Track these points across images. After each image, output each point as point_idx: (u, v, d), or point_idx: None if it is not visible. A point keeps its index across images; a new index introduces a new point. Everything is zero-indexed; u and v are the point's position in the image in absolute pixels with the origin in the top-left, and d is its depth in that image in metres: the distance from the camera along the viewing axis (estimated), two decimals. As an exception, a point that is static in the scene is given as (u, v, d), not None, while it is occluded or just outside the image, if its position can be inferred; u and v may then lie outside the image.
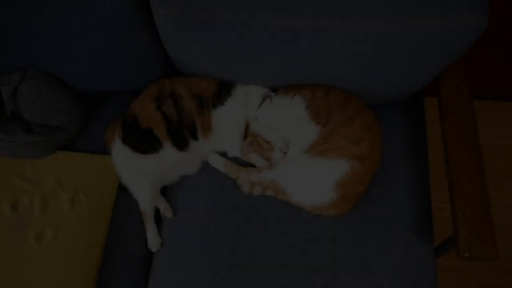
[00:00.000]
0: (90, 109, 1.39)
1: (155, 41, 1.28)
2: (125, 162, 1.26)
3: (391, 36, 1.10)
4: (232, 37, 1.09)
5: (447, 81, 1.33)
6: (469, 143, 1.23)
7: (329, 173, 1.19)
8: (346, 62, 1.15)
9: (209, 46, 1.13)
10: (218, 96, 1.30)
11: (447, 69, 1.29)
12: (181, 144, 1.27)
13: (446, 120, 1.28)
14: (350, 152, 1.18)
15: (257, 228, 1.24)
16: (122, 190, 1.28)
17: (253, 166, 1.32)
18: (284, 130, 1.28)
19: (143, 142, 1.25)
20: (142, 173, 1.25)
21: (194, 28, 1.13)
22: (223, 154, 1.34)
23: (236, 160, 1.33)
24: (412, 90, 1.39)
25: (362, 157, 1.19)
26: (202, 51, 1.16)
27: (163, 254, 1.24)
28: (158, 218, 1.28)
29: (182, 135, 1.27)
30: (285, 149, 1.25)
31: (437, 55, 1.17)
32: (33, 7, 1.12)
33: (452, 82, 1.33)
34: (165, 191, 1.32)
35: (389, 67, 1.15)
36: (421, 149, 1.39)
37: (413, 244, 1.23)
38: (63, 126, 1.28)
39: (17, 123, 1.24)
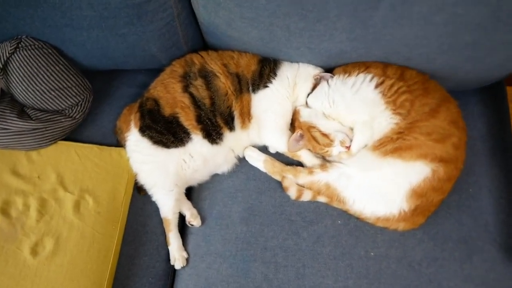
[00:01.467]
0: (99, 91, 1.25)
1: (183, 5, 1.08)
2: (143, 156, 1.12)
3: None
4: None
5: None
6: None
7: (403, 178, 1.03)
8: (433, 35, 0.97)
9: (255, 6, 0.95)
10: (260, 77, 1.14)
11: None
12: (214, 135, 1.12)
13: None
14: (433, 152, 1.02)
15: (306, 243, 1.09)
16: (139, 191, 1.16)
17: (300, 165, 1.18)
18: (347, 119, 1.11)
19: (166, 132, 1.10)
20: (163, 171, 1.11)
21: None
22: (263, 149, 1.21)
23: (278, 157, 1.19)
24: (499, 74, 1.16)
25: (447, 158, 1.02)
26: (244, 14, 0.99)
27: (188, 272, 1.10)
28: (183, 227, 1.16)
29: (216, 124, 1.12)
30: (348, 142, 1.08)
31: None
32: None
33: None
34: (191, 194, 1.20)
35: (482, 42, 0.97)
36: (507, 146, 1.21)
37: (499, 266, 1.07)
38: (66, 110, 1.14)
39: (9, 106, 1.09)
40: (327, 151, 1.11)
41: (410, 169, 1.02)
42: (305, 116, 1.14)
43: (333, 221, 1.11)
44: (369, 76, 1.06)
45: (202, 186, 1.20)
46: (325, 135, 1.10)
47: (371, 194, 1.07)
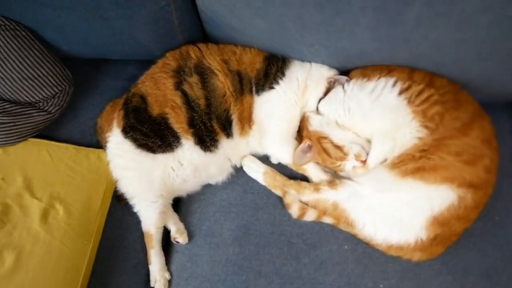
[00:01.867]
0: (81, 82, 1.17)
1: (180, -13, 0.98)
2: (124, 161, 1.04)
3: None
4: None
5: None
6: None
7: (423, 204, 0.94)
8: (473, 39, 0.88)
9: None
10: (265, 76, 1.06)
11: None
12: (207, 142, 1.04)
13: None
14: (462, 176, 0.93)
15: (306, 269, 1.02)
16: (119, 200, 1.08)
17: (306, 179, 1.11)
18: (364, 130, 1.03)
19: (153, 135, 1.02)
20: (148, 179, 1.04)
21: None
22: (264, 159, 1.13)
23: (281, 169, 1.12)
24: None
25: (477, 184, 0.94)
26: (250, 1, 0.90)
27: (171, 296, 1.02)
28: (167, 243, 1.09)
29: (210, 129, 1.04)
30: (363, 156, 1.01)
31: None
32: None
33: None
34: (178, 205, 1.13)
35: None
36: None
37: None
38: (40, 103, 1.05)
39: (-27, 95, 1.01)
40: (339, 165, 1.04)
41: (433, 194, 0.93)
42: (315, 124, 1.06)
43: (339, 246, 1.04)
44: (391, 81, 0.97)
45: (192, 197, 1.12)
46: (338, 147, 1.03)
47: (385, 219, 0.99)
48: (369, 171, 1.01)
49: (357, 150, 1.01)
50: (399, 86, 0.96)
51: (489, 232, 1.04)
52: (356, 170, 1.02)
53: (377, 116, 0.99)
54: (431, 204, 0.93)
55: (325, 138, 1.03)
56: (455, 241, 1.00)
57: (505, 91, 1.05)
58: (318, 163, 1.08)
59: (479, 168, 0.93)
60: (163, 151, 1.01)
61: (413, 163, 0.94)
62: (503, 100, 1.16)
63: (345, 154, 1.01)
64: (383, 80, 0.99)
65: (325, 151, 1.03)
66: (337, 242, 1.04)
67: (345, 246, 1.03)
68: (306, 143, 1.04)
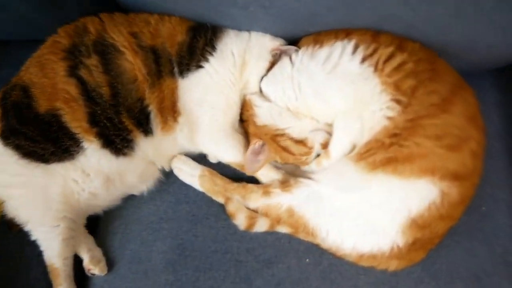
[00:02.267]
0: None
1: None
2: (8, 177, 0.87)
3: None
4: None
5: None
6: None
7: (398, 203, 0.84)
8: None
9: None
10: (190, 52, 0.91)
11: None
12: (118, 143, 0.87)
13: None
14: (444, 166, 0.81)
15: None
16: (10, 226, 0.91)
17: (254, 181, 0.99)
18: (323, 113, 0.91)
19: (42, 139, 0.85)
20: (43, 197, 0.86)
21: None
22: (200, 158, 1.01)
23: (222, 170, 0.99)
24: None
25: (463, 174, 0.82)
26: None
27: None
28: (83, 275, 0.94)
29: (120, 126, 0.87)
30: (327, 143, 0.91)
31: None
32: None
33: None
34: (95, 226, 0.99)
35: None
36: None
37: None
38: None
39: None
40: (305, 159, 0.92)
41: (410, 190, 0.82)
42: (263, 116, 0.91)
43: (299, 260, 0.94)
44: (351, 45, 0.82)
45: (110, 214, 0.98)
46: (300, 142, 0.90)
47: (352, 224, 0.88)
48: (333, 161, 0.88)
49: (323, 138, 0.89)
50: (361, 52, 0.81)
51: (475, 226, 0.97)
52: (320, 161, 0.90)
53: (333, 91, 0.85)
54: (408, 204, 0.82)
55: (282, 135, 0.90)
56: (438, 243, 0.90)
57: (490, 56, 0.93)
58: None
59: (465, 153, 0.81)
60: (59, 160, 0.83)
61: (383, 153, 0.82)
62: (485, 67, 1.06)
63: (311, 148, 0.90)
64: (339, 45, 0.84)
65: (286, 149, 0.90)
66: (296, 255, 0.94)
67: (307, 260, 0.94)
68: (256, 143, 0.90)
